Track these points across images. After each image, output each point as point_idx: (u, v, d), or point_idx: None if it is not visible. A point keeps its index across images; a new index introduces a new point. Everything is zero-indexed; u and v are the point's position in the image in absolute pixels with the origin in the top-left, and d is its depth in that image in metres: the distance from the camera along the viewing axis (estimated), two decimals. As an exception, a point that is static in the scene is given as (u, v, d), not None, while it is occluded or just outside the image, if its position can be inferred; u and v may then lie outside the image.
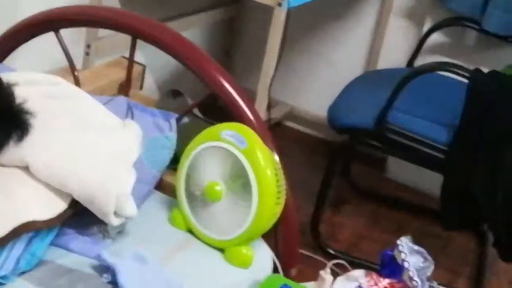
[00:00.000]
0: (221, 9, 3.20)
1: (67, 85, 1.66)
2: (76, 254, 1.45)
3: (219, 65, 1.73)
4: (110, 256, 1.39)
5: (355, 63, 3.16)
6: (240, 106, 1.68)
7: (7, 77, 1.45)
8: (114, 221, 1.42)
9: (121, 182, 1.41)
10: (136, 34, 1.83)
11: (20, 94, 1.43)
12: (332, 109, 2.45)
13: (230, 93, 1.68)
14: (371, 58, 3.12)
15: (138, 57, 1.98)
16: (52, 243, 1.42)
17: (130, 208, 1.44)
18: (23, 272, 1.35)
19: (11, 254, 1.33)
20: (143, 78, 2.37)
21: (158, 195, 1.73)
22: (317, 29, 3.25)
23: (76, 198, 1.40)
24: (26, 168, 1.41)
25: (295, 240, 1.74)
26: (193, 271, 1.51)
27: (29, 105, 1.43)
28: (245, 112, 1.67)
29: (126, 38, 1.89)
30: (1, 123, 1.36)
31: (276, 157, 1.62)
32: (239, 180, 1.54)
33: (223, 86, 1.69)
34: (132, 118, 1.70)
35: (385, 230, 2.68)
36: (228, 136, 1.57)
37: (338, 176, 2.72)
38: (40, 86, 1.59)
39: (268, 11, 2.22)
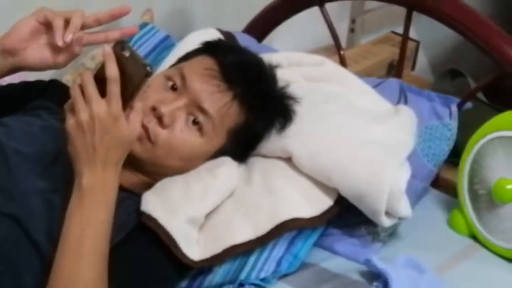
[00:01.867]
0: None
1: (332, 66, 1.69)
2: (342, 258, 1.48)
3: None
4: (381, 261, 1.39)
5: None
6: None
7: (269, 58, 1.50)
8: (385, 222, 1.42)
9: (394, 178, 1.40)
10: (412, 5, 1.81)
11: (283, 77, 1.47)
12: None
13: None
14: None
15: (410, 31, 1.97)
16: (316, 244, 1.46)
17: (403, 207, 1.43)
18: (284, 275, 1.40)
19: (271, 255, 1.38)
20: (416, 56, 2.36)
21: (435, 193, 1.72)
22: None
23: (343, 194, 1.42)
24: (288, 160, 1.45)
25: None
26: (476, 285, 1.47)
27: (292, 89, 1.46)
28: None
29: (396, 11, 1.88)
30: (263, 109, 1.40)
31: None
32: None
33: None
34: (406, 103, 1.69)
35: None
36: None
37: None
38: (303, 68, 1.64)
39: None
